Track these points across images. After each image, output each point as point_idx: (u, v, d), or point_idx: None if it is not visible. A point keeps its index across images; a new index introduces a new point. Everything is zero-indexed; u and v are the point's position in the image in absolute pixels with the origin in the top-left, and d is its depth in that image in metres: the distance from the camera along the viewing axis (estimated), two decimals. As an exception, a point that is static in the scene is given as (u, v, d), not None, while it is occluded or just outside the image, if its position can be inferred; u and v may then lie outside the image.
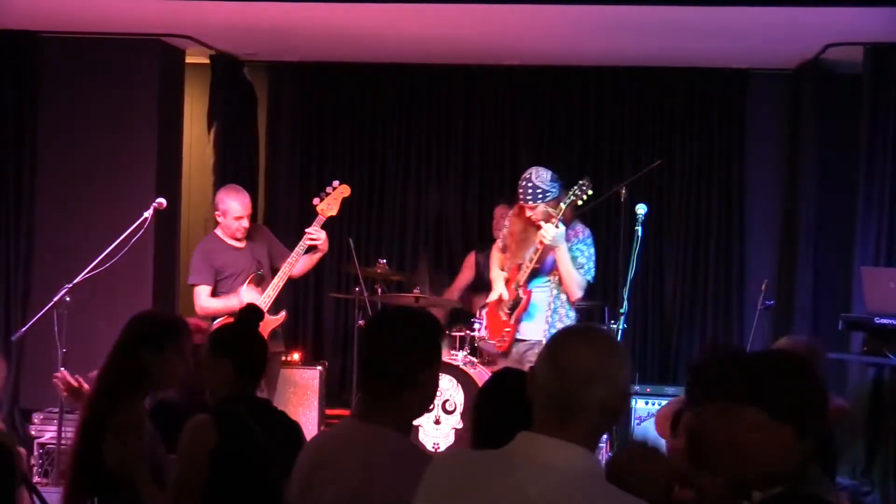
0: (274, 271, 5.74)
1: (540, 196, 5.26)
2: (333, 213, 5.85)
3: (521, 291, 5.40)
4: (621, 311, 5.62)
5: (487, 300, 5.69)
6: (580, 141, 7.61)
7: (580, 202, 5.41)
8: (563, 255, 5.32)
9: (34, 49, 6.78)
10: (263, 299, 5.57)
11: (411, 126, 7.76)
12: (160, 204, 5.69)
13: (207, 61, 7.40)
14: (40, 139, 6.81)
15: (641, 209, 5.61)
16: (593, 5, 5.82)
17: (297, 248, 5.64)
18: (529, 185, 5.29)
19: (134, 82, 6.78)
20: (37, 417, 6.27)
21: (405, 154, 7.76)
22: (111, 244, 5.58)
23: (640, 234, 5.55)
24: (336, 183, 5.90)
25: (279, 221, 7.44)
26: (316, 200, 5.83)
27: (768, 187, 7.39)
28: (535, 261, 5.33)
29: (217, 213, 5.75)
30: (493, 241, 7.15)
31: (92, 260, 5.55)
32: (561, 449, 1.90)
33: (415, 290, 6.47)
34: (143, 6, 6.16)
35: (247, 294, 5.57)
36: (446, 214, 7.77)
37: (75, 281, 5.49)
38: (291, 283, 5.89)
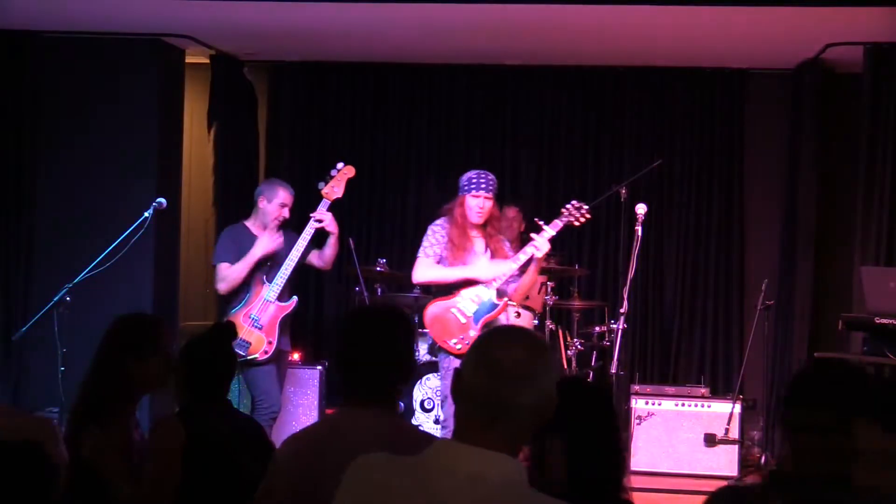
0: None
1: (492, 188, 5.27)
2: (339, 195, 5.78)
3: (494, 297, 5.35)
4: (621, 311, 5.62)
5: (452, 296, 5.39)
6: (580, 141, 7.61)
7: (576, 224, 5.38)
8: (536, 268, 5.30)
9: (34, 49, 6.78)
10: (273, 288, 5.58)
11: (411, 126, 7.76)
12: (160, 204, 5.68)
13: (207, 61, 7.40)
14: (40, 139, 6.81)
15: (641, 209, 5.61)
16: (593, 5, 5.82)
17: (303, 233, 5.62)
18: (490, 177, 5.27)
19: (134, 82, 6.77)
20: (37, 417, 6.27)
21: (405, 154, 7.76)
22: (111, 244, 5.59)
23: (640, 234, 5.55)
24: (340, 164, 5.85)
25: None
26: (321, 184, 5.80)
27: (768, 187, 7.39)
28: (515, 272, 5.26)
29: (262, 197, 5.72)
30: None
31: (92, 260, 5.55)
32: (483, 457, 1.84)
33: (414, 290, 6.47)
34: (143, 6, 6.16)
35: (258, 246, 5.58)
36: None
37: (75, 281, 5.49)
38: (291, 281, 5.84)
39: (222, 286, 5.67)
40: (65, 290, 5.46)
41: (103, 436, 3.11)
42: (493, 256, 5.36)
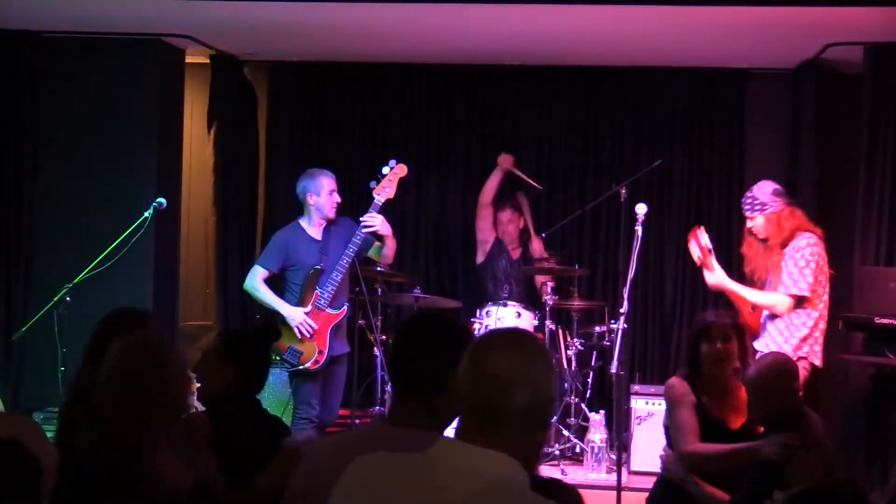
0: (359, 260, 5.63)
1: (758, 208, 5.24)
2: (390, 195, 5.60)
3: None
4: (621, 311, 5.61)
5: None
6: (580, 141, 7.61)
7: None
8: None
9: (34, 49, 6.78)
10: (324, 295, 5.47)
11: (411, 126, 7.76)
12: (160, 204, 5.68)
13: (207, 61, 7.40)
14: (40, 139, 6.81)
15: (641, 209, 5.61)
16: (593, 5, 5.82)
17: (353, 240, 5.48)
18: (749, 194, 5.30)
19: (134, 82, 6.77)
20: (37, 417, 6.27)
21: (405, 154, 7.70)
22: (111, 244, 5.59)
23: (640, 234, 5.54)
24: (393, 162, 5.67)
25: (279, 221, 7.42)
26: (371, 184, 5.62)
27: (768, 187, 7.38)
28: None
29: (309, 194, 5.58)
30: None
31: (92, 260, 5.55)
32: (481, 456, 1.84)
33: (415, 291, 6.47)
34: (143, 6, 6.16)
35: (293, 310, 5.51)
36: (447, 214, 7.77)
37: (75, 281, 5.49)
38: (343, 286, 5.66)
39: (247, 287, 5.65)
40: (65, 290, 5.46)
41: None
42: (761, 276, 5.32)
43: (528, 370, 1.89)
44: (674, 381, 4.33)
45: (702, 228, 5.30)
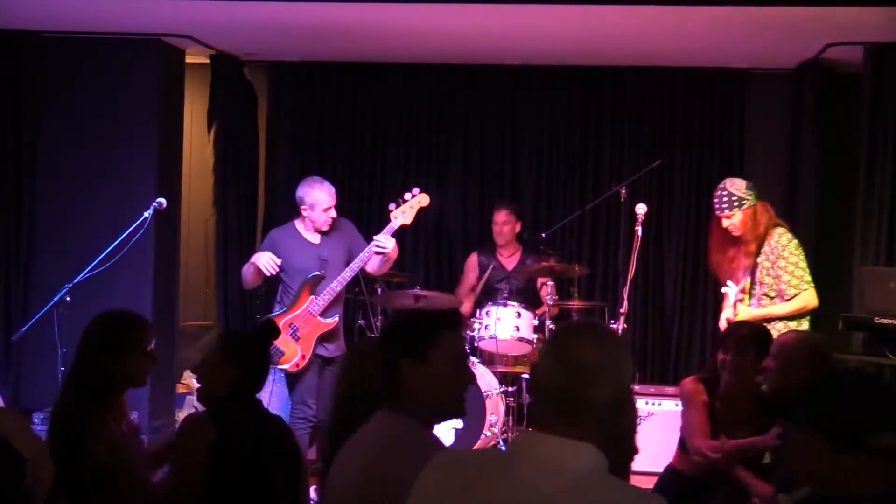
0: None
1: (736, 203, 5.15)
2: (407, 222, 5.65)
3: None
4: (621, 311, 5.61)
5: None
6: (580, 141, 7.61)
7: None
8: None
9: (34, 49, 6.78)
10: (318, 302, 5.52)
11: (411, 126, 7.76)
12: (160, 204, 5.68)
13: (207, 61, 7.41)
14: (40, 139, 6.81)
15: (641, 209, 5.60)
16: (593, 5, 5.82)
17: (361, 255, 5.52)
18: (720, 192, 5.17)
19: (134, 82, 6.77)
20: (37, 417, 6.27)
21: (405, 154, 7.76)
22: (111, 244, 5.59)
23: (640, 234, 5.54)
24: (416, 190, 5.73)
25: (279, 221, 7.42)
26: (392, 206, 5.69)
27: (768, 187, 7.36)
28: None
29: (303, 207, 5.63)
30: (492, 243, 7.15)
31: (92, 260, 5.56)
32: (568, 447, 1.88)
33: (415, 289, 6.46)
34: (143, 6, 6.16)
35: (260, 254, 5.58)
36: (446, 214, 7.77)
37: (75, 281, 5.49)
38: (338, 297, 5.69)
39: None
40: (65, 290, 5.46)
41: (113, 436, 3.11)
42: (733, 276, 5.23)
43: (613, 361, 1.93)
44: (687, 380, 4.35)
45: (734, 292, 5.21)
